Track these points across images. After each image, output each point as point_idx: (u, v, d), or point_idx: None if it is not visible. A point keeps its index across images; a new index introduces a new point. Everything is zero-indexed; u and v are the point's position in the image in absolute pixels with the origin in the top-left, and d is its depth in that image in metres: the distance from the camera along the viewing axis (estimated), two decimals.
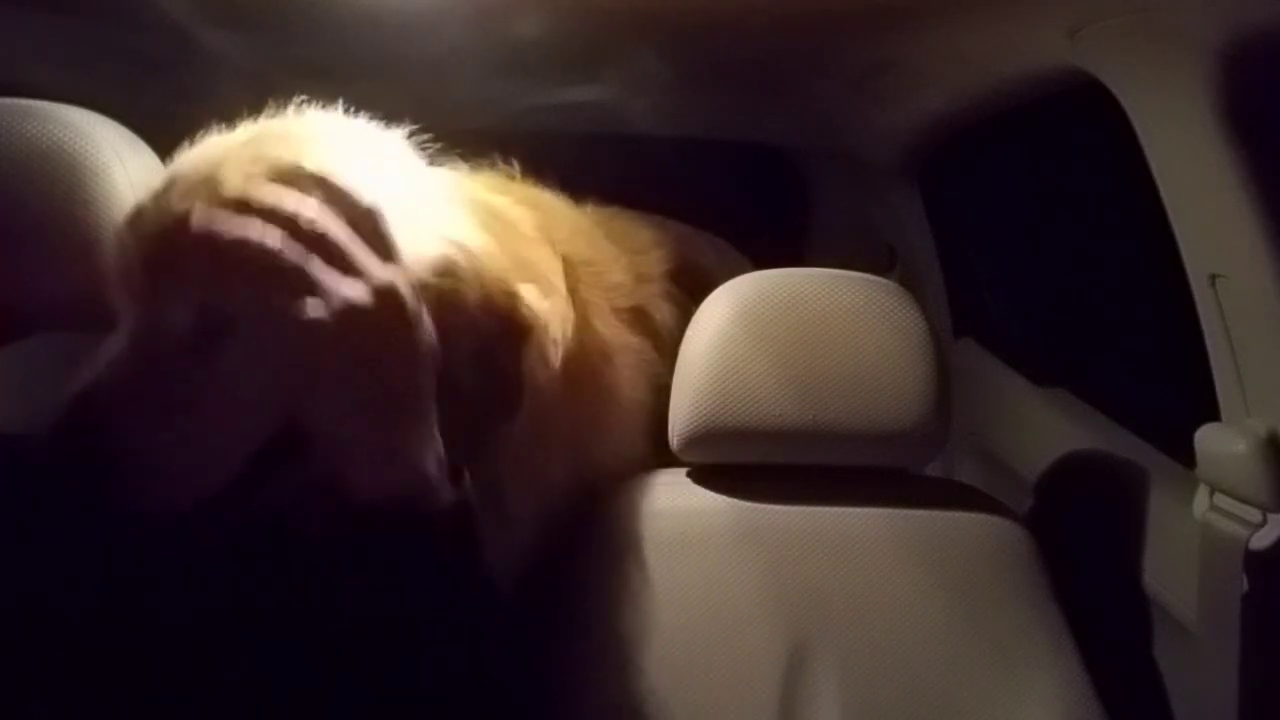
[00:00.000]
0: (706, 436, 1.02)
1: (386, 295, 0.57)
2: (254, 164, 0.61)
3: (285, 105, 0.73)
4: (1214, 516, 0.95)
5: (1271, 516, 0.90)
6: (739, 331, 1.03)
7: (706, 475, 1.07)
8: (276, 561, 0.64)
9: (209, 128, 0.69)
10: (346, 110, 0.75)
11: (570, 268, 0.98)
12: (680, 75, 1.34)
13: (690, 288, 1.31)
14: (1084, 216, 1.50)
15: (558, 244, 0.98)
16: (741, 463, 1.06)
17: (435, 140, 1.01)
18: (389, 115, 0.79)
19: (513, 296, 0.72)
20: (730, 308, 1.05)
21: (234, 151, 0.64)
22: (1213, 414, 0.98)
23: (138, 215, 0.63)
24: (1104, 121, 1.00)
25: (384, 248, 0.59)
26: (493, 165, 1.05)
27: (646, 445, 1.10)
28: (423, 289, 0.62)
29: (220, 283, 0.58)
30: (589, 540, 1.01)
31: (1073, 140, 1.39)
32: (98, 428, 0.57)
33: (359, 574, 0.58)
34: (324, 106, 0.74)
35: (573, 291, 0.96)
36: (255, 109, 0.72)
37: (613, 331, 1.03)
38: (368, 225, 0.59)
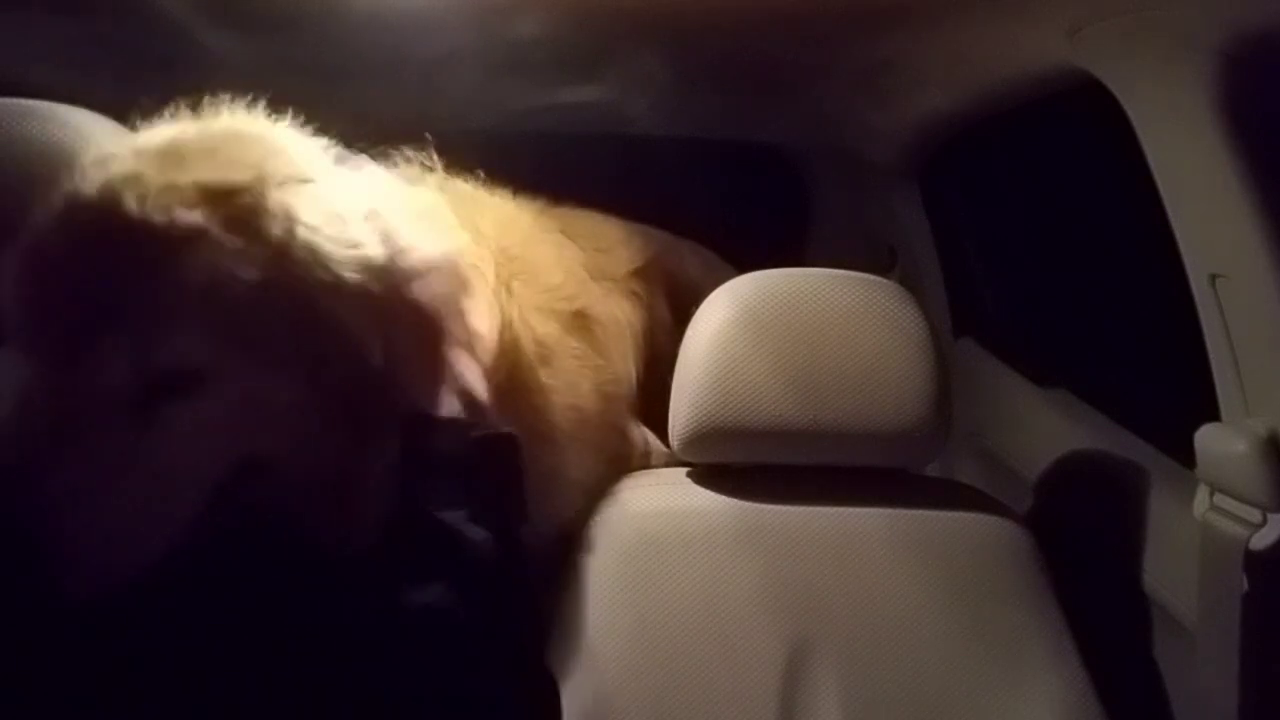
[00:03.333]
0: (706, 436, 1.02)
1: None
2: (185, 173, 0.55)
3: (285, 106, 0.73)
4: (1214, 516, 0.95)
5: (1271, 516, 0.90)
6: (739, 331, 1.02)
7: (706, 475, 1.07)
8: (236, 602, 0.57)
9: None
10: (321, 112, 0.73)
11: (503, 262, 0.95)
12: (680, 75, 1.34)
13: (667, 288, 1.30)
14: (1084, 216, 1.50)
15: (486, 238, 0.94)
16: (741, 463, 1.06)
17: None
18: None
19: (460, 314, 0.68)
20: (730, 308, 1.05)
21: (179, 153, 0.58)
22: (1213, 414, 0.98)
23: (61, 230, 0.53)
24: (1104, 121, 1.00)
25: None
26: (411, 160, 1.01)
27: (591, 456, 1.04)
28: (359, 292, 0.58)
29: (193, 325, 0.51)
30: (588, 540, 1.01)
31: (1073, 140, 1.39)
32: (9, 509, 0.47)
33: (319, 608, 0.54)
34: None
35: (504, 287, 0.92)
36: (256, 111, 0.72)
37: (549, 332, 0.99)
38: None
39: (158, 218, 0.52)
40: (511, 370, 0.88)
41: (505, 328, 0.87)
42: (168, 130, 0.62)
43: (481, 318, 0.80)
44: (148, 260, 0.51)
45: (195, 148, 0.59)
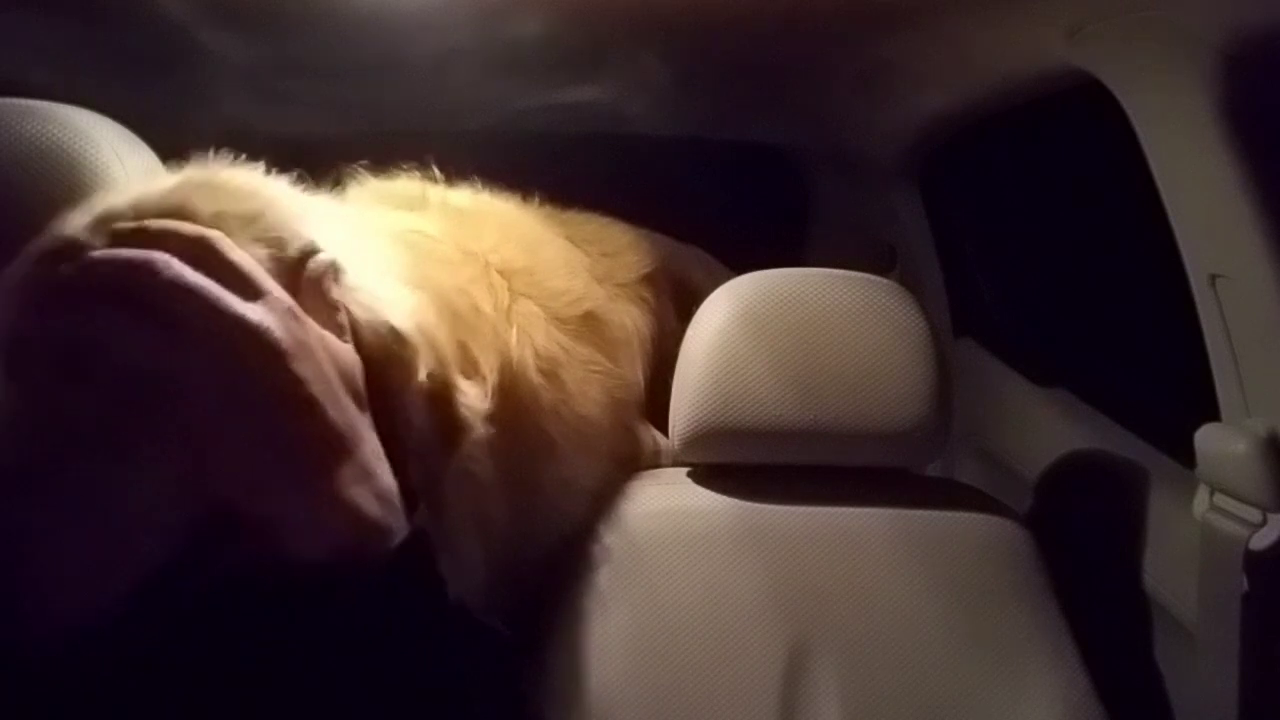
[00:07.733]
0: (706, 436, 1.02)
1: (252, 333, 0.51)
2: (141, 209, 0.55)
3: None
4: (1214, 516, 0.95)
5: (1271, 516, 0.90)
6: (739, 331, 1.03)
7: (706, 475, 1.07)
8: (232, 622, 0.55)
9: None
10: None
11: (504, 279, 0.93)
12: (680, 75, 1.35)
13: (673, 293, 1.30)
14: (1084, 216, 1.50)
15: (487, 260, 0.91)
16: (741, 463, 1.06)
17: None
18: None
19: (448, 392, 0.65)
20: (730, 308, 1.05)
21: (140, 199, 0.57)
22: (1213, 414, 0.98)
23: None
24: (1104, 121, 1.00)
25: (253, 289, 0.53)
26: (410, 168, 1.01)
27: (600, 462, 1.04)
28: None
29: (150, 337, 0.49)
30: (588, 540, 1.01)
31: (1073, 140, 1.40)
32: None
33: (327, 627, 0.53)
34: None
35: (504, 316, 0.90)
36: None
37: (555, 345, 0.97)
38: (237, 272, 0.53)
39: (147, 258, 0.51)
40: (514, 403, 0.86)
41: (504, 368, 0.85)
42: (162, 180, 0.61)
43: (482, 358, 0.79)
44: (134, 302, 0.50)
45: (197, 187, 0.59)
